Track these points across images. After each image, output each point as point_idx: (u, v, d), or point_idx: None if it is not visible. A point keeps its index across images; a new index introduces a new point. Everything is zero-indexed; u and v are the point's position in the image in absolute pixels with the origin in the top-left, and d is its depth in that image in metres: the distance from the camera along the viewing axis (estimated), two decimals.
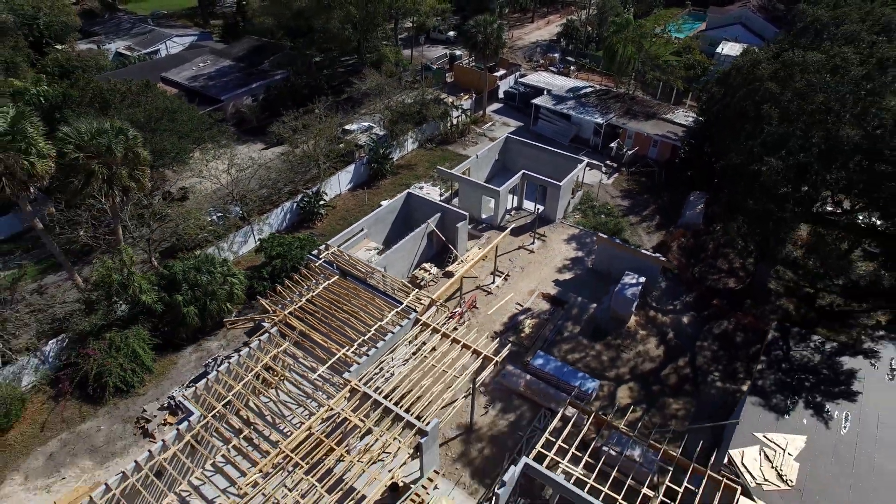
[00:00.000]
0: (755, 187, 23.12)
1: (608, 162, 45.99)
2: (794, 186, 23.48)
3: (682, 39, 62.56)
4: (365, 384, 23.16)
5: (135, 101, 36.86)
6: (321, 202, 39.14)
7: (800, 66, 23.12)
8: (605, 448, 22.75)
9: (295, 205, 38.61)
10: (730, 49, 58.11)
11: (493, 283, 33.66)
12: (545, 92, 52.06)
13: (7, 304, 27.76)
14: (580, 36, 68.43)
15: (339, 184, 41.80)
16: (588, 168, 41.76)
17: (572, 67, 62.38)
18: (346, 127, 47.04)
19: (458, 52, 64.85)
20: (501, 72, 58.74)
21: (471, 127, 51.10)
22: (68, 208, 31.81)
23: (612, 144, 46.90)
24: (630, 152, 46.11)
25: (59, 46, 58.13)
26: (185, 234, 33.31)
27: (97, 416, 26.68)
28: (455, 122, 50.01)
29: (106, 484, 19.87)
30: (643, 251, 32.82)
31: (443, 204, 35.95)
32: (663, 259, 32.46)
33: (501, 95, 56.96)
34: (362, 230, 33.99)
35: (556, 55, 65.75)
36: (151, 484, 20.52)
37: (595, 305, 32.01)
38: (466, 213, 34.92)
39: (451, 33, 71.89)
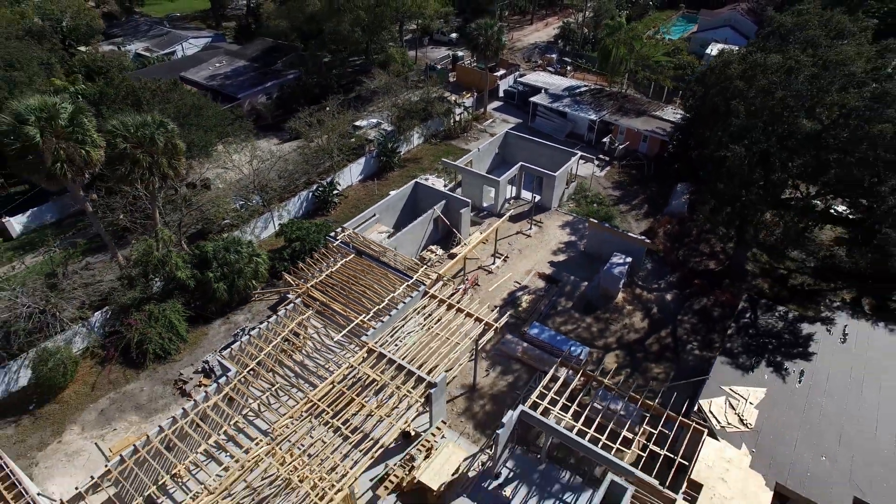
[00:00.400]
0: (723, 172, 26.32)
1: (601, 156, 49.11)
2: (759, 172, 26.63)
3: (673, 41, 65.54)
4: (380, 346, 26.35)
5: (164, 99, 40.07)
6: (335, 192, 42.31)
7: (761, 66, 26.35)
8: (591, 403, 25.90)
9: (311, 194, 41.76)
10: (717, 50, 61.05)
11: (493, 263, 36.82)
12: (543, 91, 55.12)
13: (60, 277, 30.99)
14: (577, 38, 71.38)
15: (350, 175, 45.00)
16: (582, 161, 44.93)
17: (569, 68, 65.30)
18: (357, 123, 50.22)
19: (460, 53, 67.81)
20: (501, 72, 61.54)
21: (472, 123, 54.26)
22: (108, 195, 35.09)
23: (604, 139, 49.97)
24: (621, 147, 49.20)
25: (81, 48, 61.28)
26: (213, 218, 36.52)
27: (139, 379, 29.90)
28: (458, 118, 53.15)
29: (160, 426, 23.13)
30: (630, 234, 35.98)
31: (447, 192, 39.10)
32: (648, 241, 35.64)
33: (501, 94, 60.04)
34: (374, 215, 37.16)
35: (553, 56, 68.64)
36: (197, 428, 23.75)
37: (586, 283, 35.16)
38: (469, 201, 38.04)
39: (454, 35, 74.71)
